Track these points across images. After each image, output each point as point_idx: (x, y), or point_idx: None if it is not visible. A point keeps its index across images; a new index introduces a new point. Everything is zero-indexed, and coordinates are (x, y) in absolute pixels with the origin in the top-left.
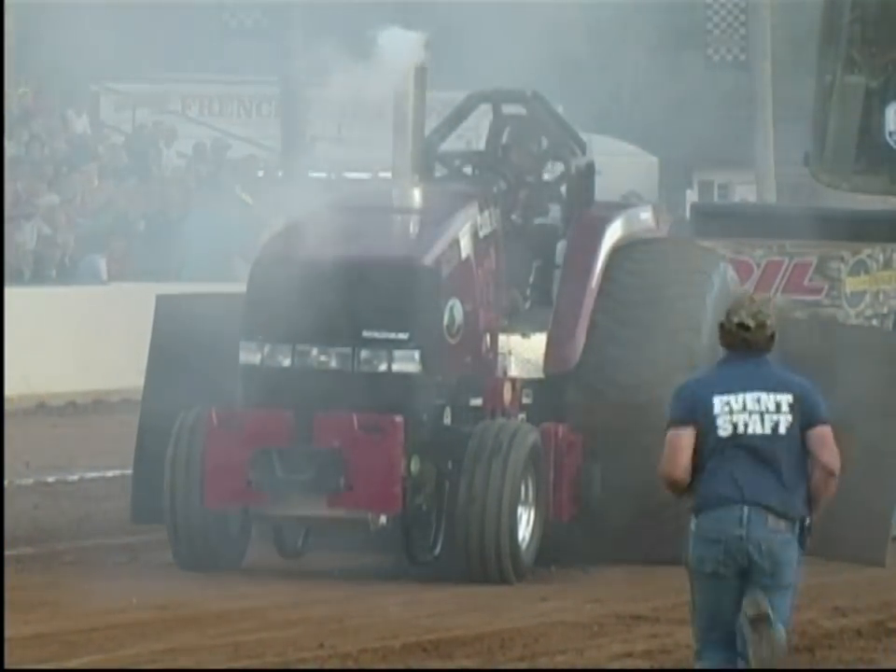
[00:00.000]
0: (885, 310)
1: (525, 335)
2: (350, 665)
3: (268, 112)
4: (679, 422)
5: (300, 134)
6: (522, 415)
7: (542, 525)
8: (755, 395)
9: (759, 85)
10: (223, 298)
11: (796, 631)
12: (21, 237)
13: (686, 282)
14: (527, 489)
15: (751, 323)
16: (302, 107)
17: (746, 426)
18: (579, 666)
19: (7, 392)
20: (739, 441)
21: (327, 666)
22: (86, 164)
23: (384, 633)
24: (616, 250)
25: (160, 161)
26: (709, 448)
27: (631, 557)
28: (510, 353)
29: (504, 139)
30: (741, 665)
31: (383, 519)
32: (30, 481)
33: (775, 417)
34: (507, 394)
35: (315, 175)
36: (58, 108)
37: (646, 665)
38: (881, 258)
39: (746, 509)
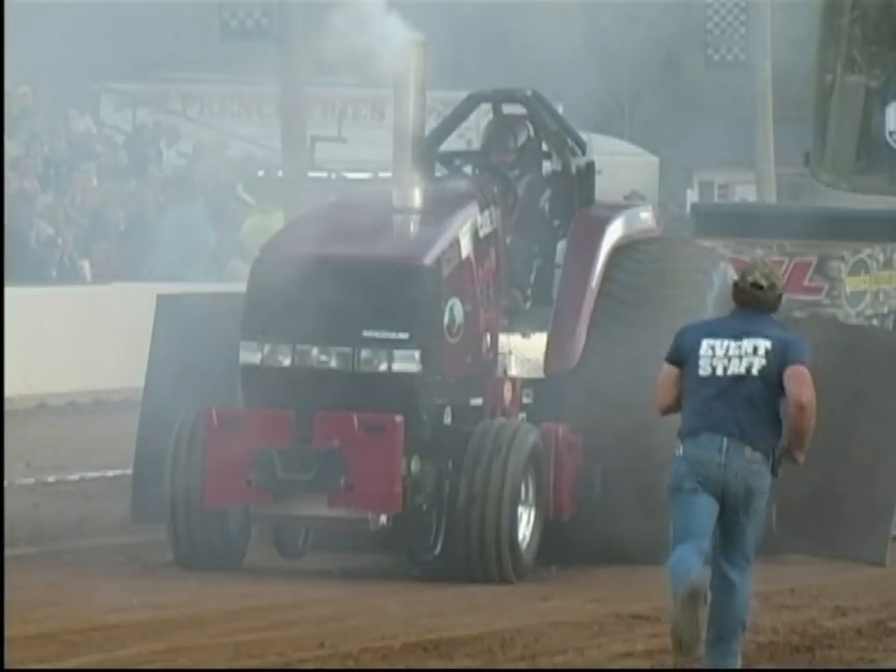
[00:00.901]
0: (885, 309)
1: (525, 335)
2: (350, 665)
3: (268, 112)
4: (669, 359)
5: (299, 134)
6: (522, 415)
7: (542, 525)
8: (739, 342)
9: (759, 85)
10: (223, 298)
11: (796, 631)
12: (21, 237)
13: (686, 282)
14: (527, 489)
15: (764, 283)
16: (302, 107)
17: (725, 369)
18: (579, 666)
19: (7, 392)
20: (717, 381)
21: (327, 666)
22: (86, 164)
23: (384, 633)
24: (616, 250)
25: (160, 160)
26: (692, 384)
27: (631, 557)
28: (510, 353)
29: (483, 139)
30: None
31: (383, 519)
32: (30, 481)
33: (750, 360)
34: (507, 394)
35: (315, 174)
36: (58, 108)
37: (646, 665)
38: (881, 257)
39: (725, 440)
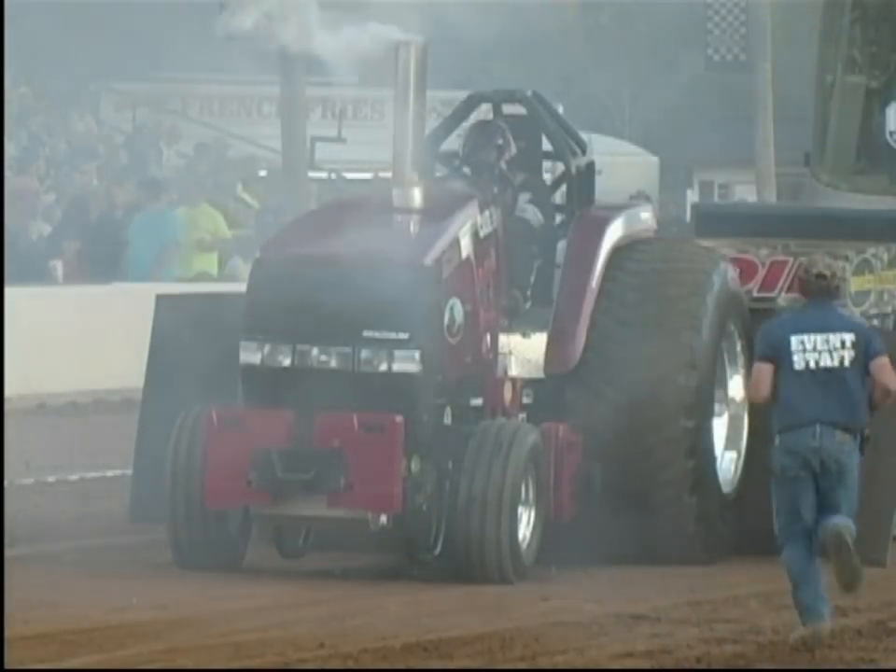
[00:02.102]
0: (888, 309)
1: (525, 335)
2: (350, 664)
3: (268, 112)
4: (761, 357)
5: (300, 134)
6: (522, 415)
7: (542, 525)
8: (825, 336)
9: (759, 85)
10: (223, 298)
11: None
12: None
13: (686, 282)
14: (527, 489)
15: (827, 273)
16: (302, 107)
17: (817, 362)
18: (579, 666)
19: (7, 392)
20: (811, 373)
21: (327, 666)
22: (86, 164)
23: (384, 633)
24: (616, 250)
25: (160, 160)
26: (787, 378)
27: (631, 557)
28: (510, 353)
29: (466, 141)
30: (816, 565)
31: (383, 519)
32: (30, 481)
33: (840, 353)
34: (507, 394)
35: (315, 174)
36: (58, 108)
37: (647, 665)
38: (885, 257)
39: (818, 427)
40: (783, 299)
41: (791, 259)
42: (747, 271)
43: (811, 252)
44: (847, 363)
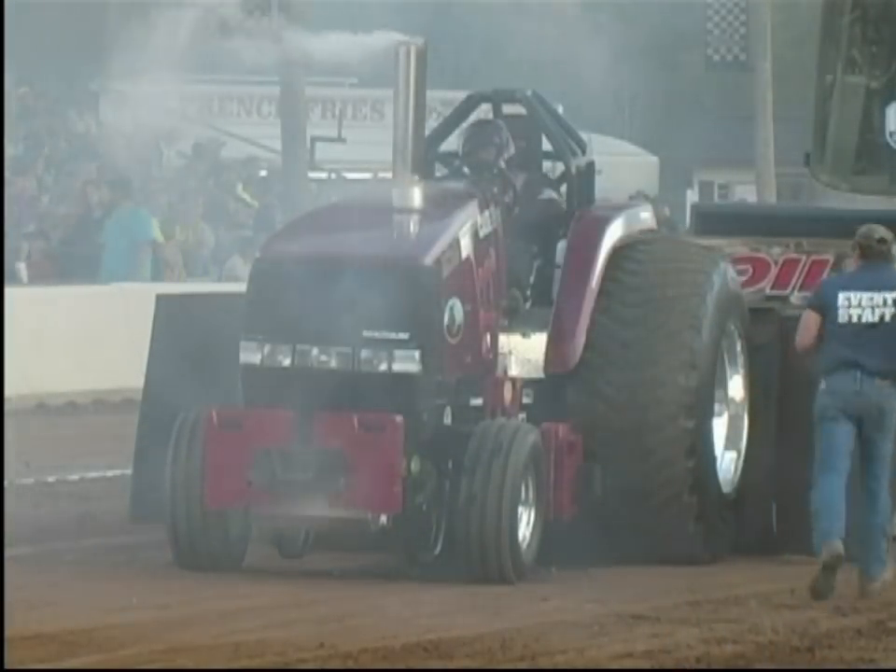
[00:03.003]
0: None
1: (525, 335)
2: (350, 665)
3: (268, 112)
4: (810, 307)
5: (300, 134)
6: (522, 415)
7: (542, 525)
8: (870, 294)
9: (759, 85)
10: (223, 298)
11: (796, 631)
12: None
13: (686, 282)
14: (527, 489)
15: (889, 237)
16: (302, 107)
17: (859, 317)
18: (579, 666)
19: (7, 392)
20: (853, 327)
21: (327, 666)
22: (86, 164)
23: (384, 633)
24: (616, 250)
25: (160, 161)
26: (831, 329)
27: (631, 557)
28: (510, 353)
29: (466, 140)
30: (841, 502)
31: (383, 519)
32: (30, 481)
33: (882, 310)
34: (507, 394)
35: (315, 174)
36: (58, 108)
37: (647, 665)
38: None
39: (859, 373)
40: (795, 297)
41: (803, 258)
42: (759, 269)
43: (823, 250)
44: (887, 318)
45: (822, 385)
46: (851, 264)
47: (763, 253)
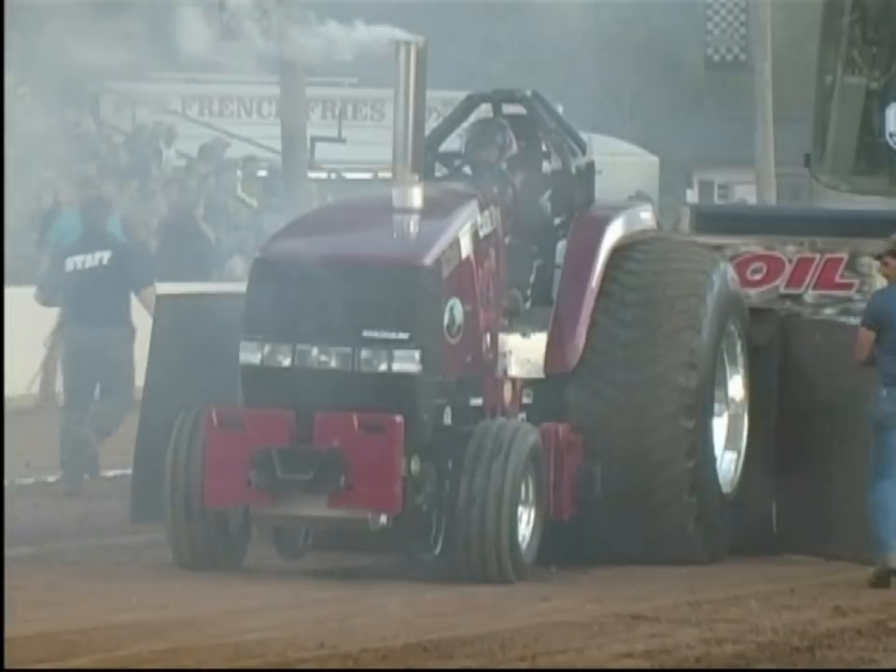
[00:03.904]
0: None
1: (525, 335)
2: (350, 665)
3: (268, 112)
4: (866, 324)
5: (300, 134)
6: (522, 415)
7: (542, 524)
8: None
9: (759, 85)
10: (223, 298)
11: (796, 631)
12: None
13: (686, 282)
14: (527, 489)
15: None
16: (302, 107)
17: None
18: (579, 666)
19: (7, 392)
20: None
21: (327, 666)
22: (86, 164)
23: (384, 633)
24: (616, 250)
25: (160, 161)
26: (890, 341)
27: (631, 557)
28: (510, 353)
29: (468, 140)
30: None
31: (383, 519)
32: (30, 481)
33: None
34: (507, 394)
35: (315, 174)
36: (58, 108)
37: (646, 665)
38: None
39: None
40: (810, 295)
41: (817, 256)
42: (773, 267)
43: (837, 249)
44: None
45: (883, 394)
46: (880, 268)
47: (777, 251)
